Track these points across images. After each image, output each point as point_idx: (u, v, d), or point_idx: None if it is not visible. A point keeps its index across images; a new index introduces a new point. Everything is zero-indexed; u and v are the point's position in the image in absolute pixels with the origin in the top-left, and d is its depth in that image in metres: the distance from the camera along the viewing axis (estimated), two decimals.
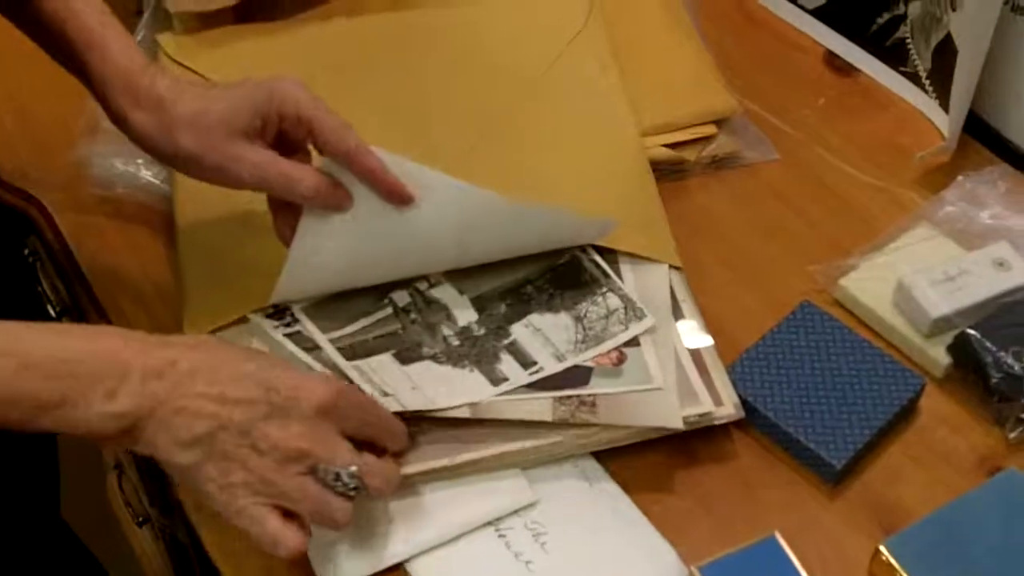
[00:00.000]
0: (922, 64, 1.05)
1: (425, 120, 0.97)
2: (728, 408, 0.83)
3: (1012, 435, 0.84)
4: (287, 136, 0.79)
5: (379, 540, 0.78)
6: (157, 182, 0.96)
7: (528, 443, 0.80)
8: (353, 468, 0.72)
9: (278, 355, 0.82)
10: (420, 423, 0.80)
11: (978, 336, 0.86)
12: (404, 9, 1.06)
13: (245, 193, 0.81)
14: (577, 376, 0.82)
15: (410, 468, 0.79)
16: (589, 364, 0.83)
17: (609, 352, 0.84)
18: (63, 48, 0.81)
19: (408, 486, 0.79)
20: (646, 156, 0.97)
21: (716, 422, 0.82)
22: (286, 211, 0.82)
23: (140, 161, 0.96)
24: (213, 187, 0.81)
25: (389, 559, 0.78)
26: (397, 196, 0.79)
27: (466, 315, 0.85)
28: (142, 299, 0.92)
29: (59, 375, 0.67)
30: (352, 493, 0.72)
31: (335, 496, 0.72)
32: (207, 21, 1.01)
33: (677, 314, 0.88)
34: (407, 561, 0.78)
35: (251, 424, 0.70)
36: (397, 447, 0.78)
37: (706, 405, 0.82)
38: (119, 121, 0.80)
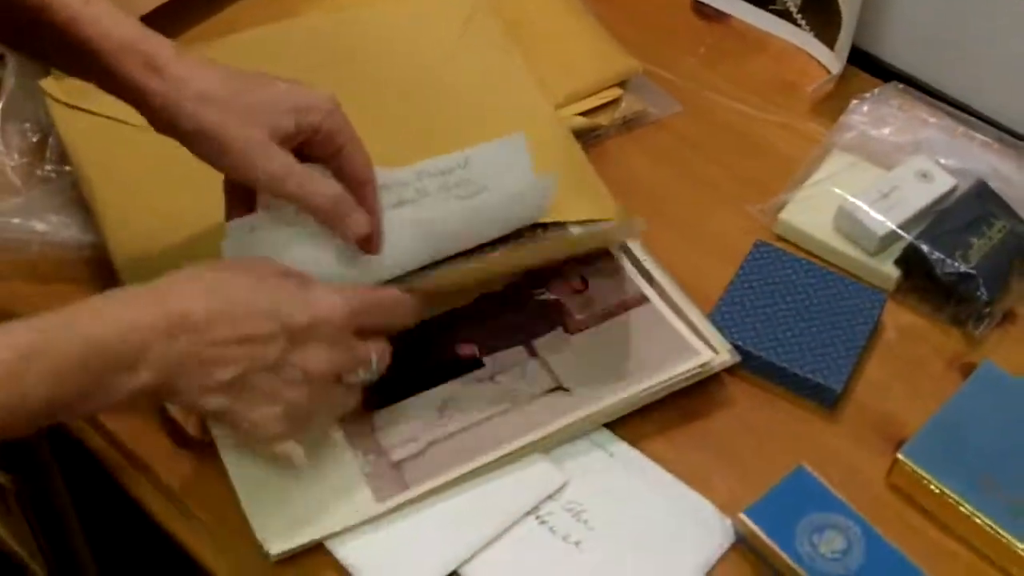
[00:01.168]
0: (792, 0, 1.09)
1: None
2: (724, 355, 0.84)
3: (978, 331, 0.90)
4: (305, 148, 0.76)
5: (425, 552, 0.76)
6: (73, 233, 0.90)
7: (540, 432, 0.80)
8: (374, 362, 0.74)
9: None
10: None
11: (925, 245, 0.90)
12: (287, 18, 1.02)
13: (185, 224, 0.76)
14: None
15: (431, 483, 0.78)
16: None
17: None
18: (49, 35, 0.74)
19: (440, 496, 0.78)
20: (565, 126, 0.97)
21: (716, 369, 0.84)
22: (241, 209, 0.78)
23: (55, 218, 0.90)
24: (145, 218, 0.79)
25: (440, 569, 0.76)
26: (366, 243, 0.78)
27: None
28: None
29: (72, 372, 0.63)
30: (373, 377, 0.75)
31: (354, 392, 0.76)
32: None
33: (645, 274, 0.89)
34: (460, 567, 0.76)
35: (278, 358, 0.70)
36: (410, 323, 0.78)
37: (705, 355, 0.84)
38: (126, 92, 0.74)
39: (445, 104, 0.97)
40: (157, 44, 0.73)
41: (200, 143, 0.73)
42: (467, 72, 1.00)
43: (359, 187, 0.77)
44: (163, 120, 0.74)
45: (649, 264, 0.90)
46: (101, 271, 0.88)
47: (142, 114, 0.75)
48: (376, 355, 0.74)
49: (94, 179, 0.89)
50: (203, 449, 0.80)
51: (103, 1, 0.74)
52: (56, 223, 0.91)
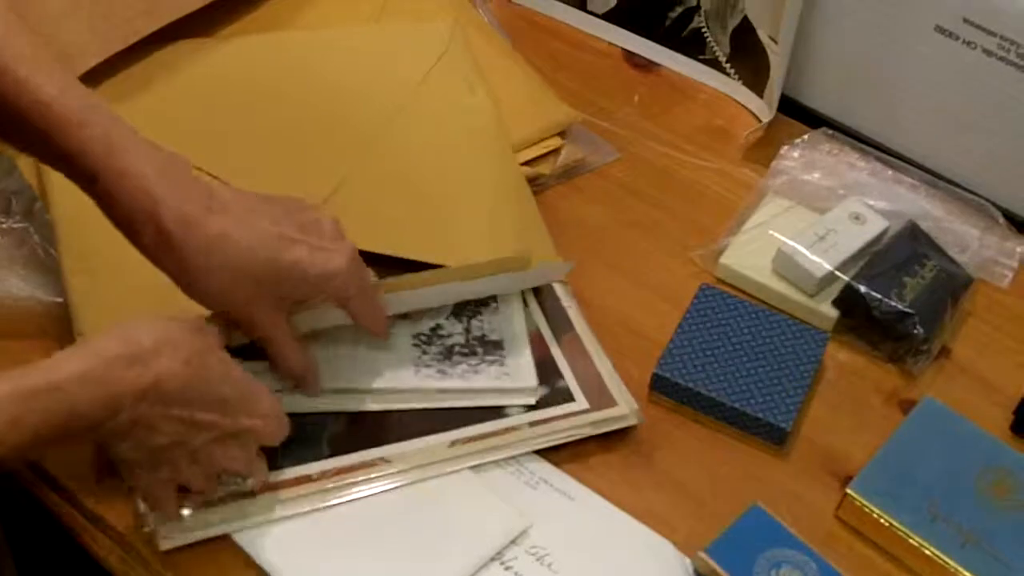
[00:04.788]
0: (720, 50, 1.13)
1: (296, 144, 0.96)
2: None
3: (916, 368, 0.93)
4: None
5: None
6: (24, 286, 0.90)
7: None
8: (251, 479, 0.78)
9: None
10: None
11: (862, 286, 0.94)
12: (256, 33, 1.03)
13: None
14: None
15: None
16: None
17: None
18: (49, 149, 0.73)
19: (401, 540, 0.79)
20: (519, 169, 0.99)
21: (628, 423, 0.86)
22: None
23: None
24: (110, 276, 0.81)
25: None
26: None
27: None
28: None
29: (53, 433, 0.65)
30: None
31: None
32: None
33: (566, 324, 0.91)
34: None
35: (203, 445, 0.72)
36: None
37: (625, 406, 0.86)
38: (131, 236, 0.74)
39: (405, 130, 0.98)
40: (176, 202, 0.71)
41: (196, 297, 0.75)
42: (432, 101, 1.01)
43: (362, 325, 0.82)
44: (163, 269, 0.74)
45: (573, 313, 0.92)
46: (54, 325, 0.88)
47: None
48: (256, 475, 0.78)
49: (61, 226, 0.89)
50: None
51: (130, 144, 0.72)
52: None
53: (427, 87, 1.01)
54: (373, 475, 0.82)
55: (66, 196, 0.82)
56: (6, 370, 0.63)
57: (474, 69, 1.04)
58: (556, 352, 0.89)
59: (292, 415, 0.78)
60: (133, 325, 0.69)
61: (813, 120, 1.11)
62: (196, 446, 0.72)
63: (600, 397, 0.86)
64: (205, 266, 0.72)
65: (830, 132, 1.07)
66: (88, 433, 0.68)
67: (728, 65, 1.13)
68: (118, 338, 0.68)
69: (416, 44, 1.04)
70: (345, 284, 0.78)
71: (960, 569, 0.80)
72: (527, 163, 1.02)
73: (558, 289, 0.93)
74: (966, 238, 1.00)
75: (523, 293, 0.92)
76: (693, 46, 1.14)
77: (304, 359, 0.80)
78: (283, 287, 0.76)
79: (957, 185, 1.04)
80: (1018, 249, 1.01)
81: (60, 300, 0.88)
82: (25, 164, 0.92)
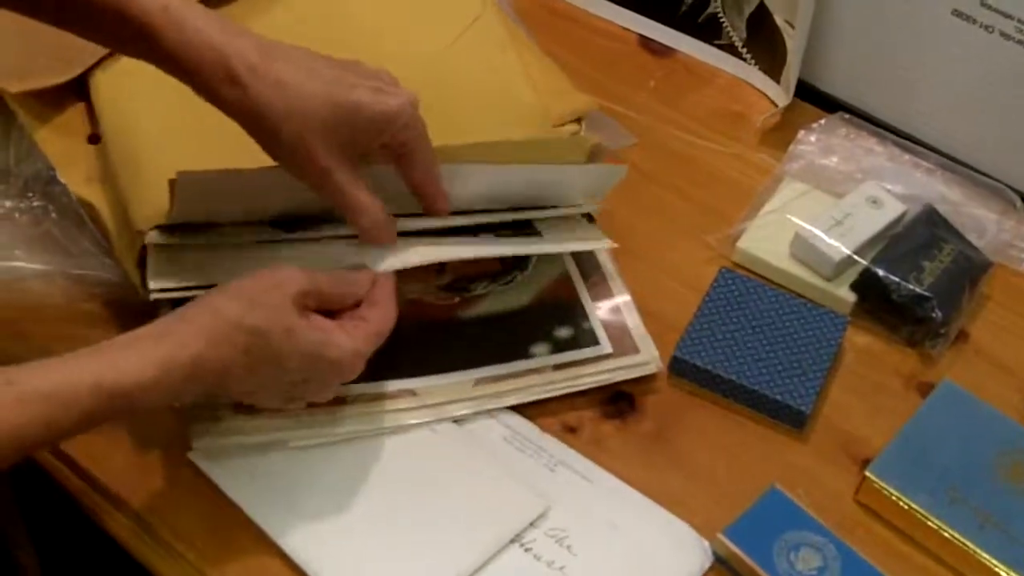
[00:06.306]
0: (737, 35, 1.13)
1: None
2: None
3: (934, 351, 0.93)
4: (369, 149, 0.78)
5: None
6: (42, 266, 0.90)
7: None
8: None
9: None
10: None
11: (881, 270, 0.94)
12: None
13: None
14: None
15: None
16: None
17: None
18: (120, 34, 0.74)
19: (421, 524, 0.80)
20: (548, 119, 0.98)
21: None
22: None
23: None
24: None
25: None
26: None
27: None
28: None
29: (124, 410, 0.69)
30: None
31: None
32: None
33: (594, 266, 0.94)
34: None
35: (290, 382, 0.76)
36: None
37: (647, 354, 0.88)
38: (205, 95, 0.74)
39: (437, 89, 0.96)
40: (240, 51, 0.73)
41: (272, 148, 0.75)
42: (464, 63, 1.00)
43: (424, 191, 0.81)
44: (240, 121, 0.74)
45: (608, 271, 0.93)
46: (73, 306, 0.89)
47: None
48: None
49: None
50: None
51: (183, 4, 0.73)
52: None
53: (459, 48, 1.00)
54: (401, 406, 0.83)
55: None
56: (35, 357, 0.65)
57: (507, 34, 1.03)
58: (583, 293, 0.91)
59: None
60: (198, 310, 0.72)
61: (830, 105, 1.11)
62: (288, 383, 0.76)
63: (623, 343, 0.88)
64: (277, 112, 0.72)
65: (847, 116, 1.07)
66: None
67: (744, 50, 1.13)
68: (185, 331, 0.71)
69: (451, 7, 1.03)
70: (408, 125, 0.77)
71: (978, 551, 0.80)
72: None
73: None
74: (984, 222, 1.00)
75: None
76: (709, 31, 1.14)
77: (380, 208, 0.79)
78: (349, 131, 0.75)
79: (974, 169, 1.04)
80: None
81: (79, 280, 0.89)
82: (43, 139, 0.92)
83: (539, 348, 0.87)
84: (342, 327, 0.76)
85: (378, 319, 0.78)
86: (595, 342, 0.88)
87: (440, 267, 0.90)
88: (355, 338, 0.76)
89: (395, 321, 0.79)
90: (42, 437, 0.65)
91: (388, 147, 0.78)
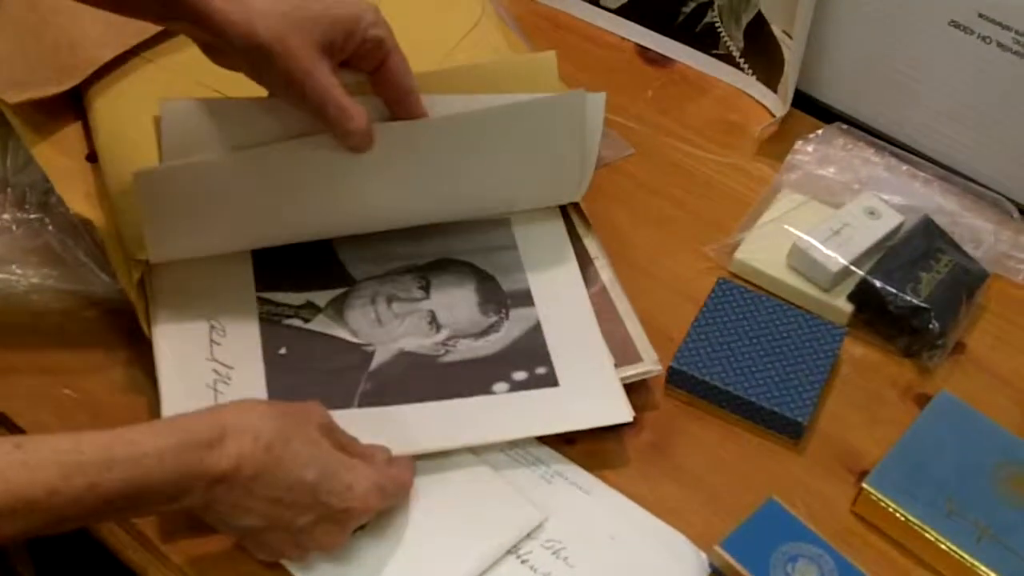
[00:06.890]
0: (734, 45, 1.13)
1: None
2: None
3: (931, 362, 0.93)
4: (351, 60, 0.79)
5: None
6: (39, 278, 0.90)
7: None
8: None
9: None
10: None
11: (878, 281, 0.94)
12: None
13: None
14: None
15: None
16: None
17: None
18: None
19: (417, 534, 0.80)
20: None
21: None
22: None
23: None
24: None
25: None
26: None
27: None
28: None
29: (127, 495, 0.66)
30: None
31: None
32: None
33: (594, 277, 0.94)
34: None
35: (301, 527, 0.73)
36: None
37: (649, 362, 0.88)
38: (187, 14, 0.75)
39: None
40: None
41: (259, 58, 0.75)
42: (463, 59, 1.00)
43: (404, 96, 0.81)
44: (224, 38, 0.75)
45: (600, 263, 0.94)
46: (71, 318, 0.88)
47: (197, 38, 0.78)
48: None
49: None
50: None
51: None
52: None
53: (458, 56, 1.00)
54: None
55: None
56: (30, 369, 0.64)
57: (504, 41, 1.03)
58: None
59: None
60: (226, 407, 0.72)
61: (827, 115, 1.11)
62: (294, 528, 0.73)
63: (625, 352, 0.88)
64: (250, 21, 0.74)
65: (844, 127, 1.07)
66: (164, 506, 0.69)
67: (742, 60, 1.13)
68: (207, 419, 0.70)
69: (449, 13, 1.03)
70: (376, 23, 0.78)
71: (976, 564, 0.80)
72: None
73: (587, 242, 0.95)
74: (981, 233, 1.00)
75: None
76: (707, 41, 1.14)
77: (364, 113, 0.79)
78: (321, 32, 0.76)
79: (972, 180, 1.04)
80: None
81: (76, 292, 0.89)
82: (41, 154, 0.92)
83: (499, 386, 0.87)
84: (364, 461, 0.76)
85: (401, 468, 0.79)
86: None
87: (437, 328, 0.90)
88: (378, 471, 0.77)
89: (412, 485, 0.80)
90: (45, 503, 0.64)
91: (363, 55, 0.79)
